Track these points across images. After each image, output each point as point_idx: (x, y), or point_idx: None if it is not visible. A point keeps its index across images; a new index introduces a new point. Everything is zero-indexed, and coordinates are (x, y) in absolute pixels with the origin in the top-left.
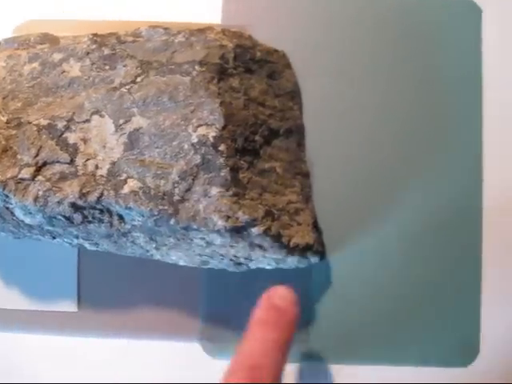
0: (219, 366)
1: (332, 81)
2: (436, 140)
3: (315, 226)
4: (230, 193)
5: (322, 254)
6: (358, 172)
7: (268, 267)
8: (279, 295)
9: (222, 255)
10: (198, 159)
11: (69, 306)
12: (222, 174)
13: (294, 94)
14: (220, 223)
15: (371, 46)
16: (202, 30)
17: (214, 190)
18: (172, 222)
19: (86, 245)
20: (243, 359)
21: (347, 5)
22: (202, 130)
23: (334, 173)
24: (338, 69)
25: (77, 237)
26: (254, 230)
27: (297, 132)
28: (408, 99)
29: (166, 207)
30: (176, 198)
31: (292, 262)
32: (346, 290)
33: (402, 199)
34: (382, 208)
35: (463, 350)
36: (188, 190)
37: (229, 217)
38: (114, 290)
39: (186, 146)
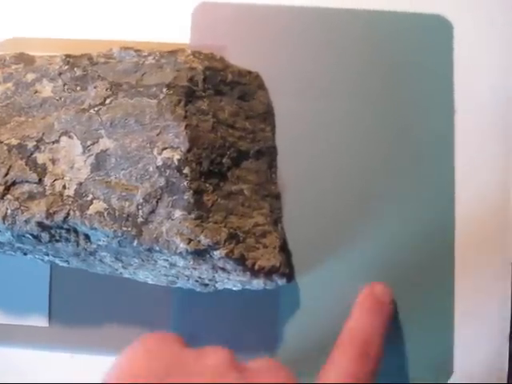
0: None
1: (306, 102)
2: (408, 162)
3: (283, 249)
4: (193, 216)
5: (289, 276)
6: (330, 194)
7: (234, 288)
8: (380, 290)
9: (186, 276)
10: (162, 182)
11: (40, 321)
12: (186, 197)
13: (267, 115)
14: (182, 246)
15: (345, 66)
16: (173, 52)
17: (177, 213)
18: (135, 243)
19: (57, 261)
20: (356, 334)
21: (319, 25)
22: (166, 153)
23: (305, 195)
24: (313, 90)
25: (47, 254)
26: (216, 253)
27: (268, 153)
28: (381, 120)
29: (129, 229)
30: (140, 219)
31: (258, 284)
32: (315, 312)
33: (374, 222)
34: (353, 230)
35: (437, 370)
36: (152, 212)
37: (191, 240)
38: (86, 306)
39: (151, 169)
